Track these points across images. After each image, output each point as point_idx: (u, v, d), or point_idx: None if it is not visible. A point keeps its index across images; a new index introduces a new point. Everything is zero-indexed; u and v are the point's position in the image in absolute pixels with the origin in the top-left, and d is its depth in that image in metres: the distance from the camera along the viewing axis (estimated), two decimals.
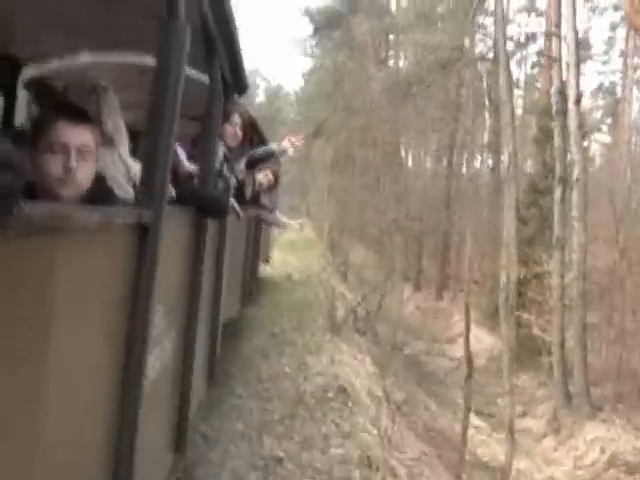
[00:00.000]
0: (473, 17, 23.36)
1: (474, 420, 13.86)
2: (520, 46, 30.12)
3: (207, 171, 4.08)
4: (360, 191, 26.30)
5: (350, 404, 6.21)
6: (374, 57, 29.85)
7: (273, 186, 7.87)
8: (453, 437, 11.78)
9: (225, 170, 5.24)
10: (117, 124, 2.98)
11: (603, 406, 14.72)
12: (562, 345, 16.01)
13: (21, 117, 4.82)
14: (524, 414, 15.86)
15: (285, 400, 5.86)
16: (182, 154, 4.45)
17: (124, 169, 2.97)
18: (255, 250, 10.36)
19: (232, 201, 5.62)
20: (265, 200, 8.57)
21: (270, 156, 6.82)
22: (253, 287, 10.35)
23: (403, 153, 31.18)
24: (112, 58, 4.61)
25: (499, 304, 16.31)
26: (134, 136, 3.61)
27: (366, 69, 28.23)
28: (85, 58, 4.62)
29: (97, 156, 2.26)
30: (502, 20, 21.25)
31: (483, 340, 19.01)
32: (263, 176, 7.50)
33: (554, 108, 17.90)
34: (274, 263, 15.54)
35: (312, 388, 6.31)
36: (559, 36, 18.36)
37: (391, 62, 32.38)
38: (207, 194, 4.01)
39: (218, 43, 3.63)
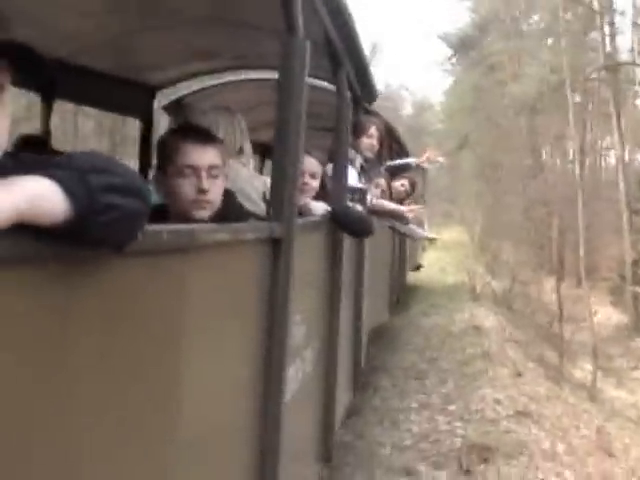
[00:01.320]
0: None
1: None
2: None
3: (340, 180, 4.05)
4: (505, 195, 28.63)
5: (481, 335, 9.38)
6: (508, 73, 32.27)
7: (410, 195, 7.83)
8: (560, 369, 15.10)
9: (362, 182, 5.25)
10: (246, 144, 3.04)
11: None
12: None
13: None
14: (636, 367, 20.20)
15: (439, 335, 9.07)
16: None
17: (258, 184, 3.02)
18: (401, 258, 10.41)
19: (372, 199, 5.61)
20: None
21: (407, 168, 7.55)
22: (400, 295, 10.49)
23: (544, 156, 32.97)
24: (244, 76, 4.76)
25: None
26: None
27: (501, 85, 31.47)
28: (219, 79, 4.81)
29: (226, 173, 2.30)
30: (604, 40, 25.27)
31: (610, 316, 24.02)
32: (399, 185, 7.47)
33: None
34: (430, 261, 20.63)
35: (456, 329, 9.63)
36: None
37: (525, 73, 33.39)
38: (357, 217, 4.05)
39: (342, 55, 3.63)
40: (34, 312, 1.02)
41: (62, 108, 14.92)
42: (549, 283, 24.82)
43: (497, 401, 6.47)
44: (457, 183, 39.42)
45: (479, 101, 33.02)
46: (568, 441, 6.54)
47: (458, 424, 5.70)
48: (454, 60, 40.54)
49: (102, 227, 1.05)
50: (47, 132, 4.35)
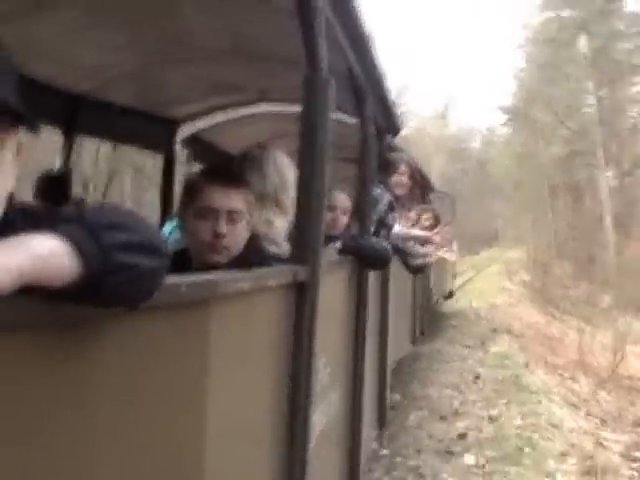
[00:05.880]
0: None
1: None
2: None
3: (364, 214, 3.96)
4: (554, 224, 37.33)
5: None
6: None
7: (434, 227, 7.68)
8: None
9: (389, 219, 5.14)
10: (278, 183, 2.78)
11: None
12: None
13: (180, 175, 5.05)
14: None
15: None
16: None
17: (281, 224, 2.86)
18: (425, 289, 10.22)
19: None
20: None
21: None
22: (425, 326, 10.29)
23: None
24: (264, 109, 4.70)
25: None
26: None
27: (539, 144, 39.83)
28: (239, 113, 4.77)
29: (250, 219, 2.20)
30: None
31: None
32: (424, 219, 7.33)
33: None
34: (492, 269, 31.43)
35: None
36: None
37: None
38: (369, 245, 3.83)
39: (366, 87, 3.55)
40: (42, 380, 0.95)
41: None
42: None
43: None
44: (518, 214, 48.75)
45: (527, 152, 42.13)
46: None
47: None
48: (508, 123, 50.96)
49: (116, 287, 0.97)
50: (68, 169, 4.33)
